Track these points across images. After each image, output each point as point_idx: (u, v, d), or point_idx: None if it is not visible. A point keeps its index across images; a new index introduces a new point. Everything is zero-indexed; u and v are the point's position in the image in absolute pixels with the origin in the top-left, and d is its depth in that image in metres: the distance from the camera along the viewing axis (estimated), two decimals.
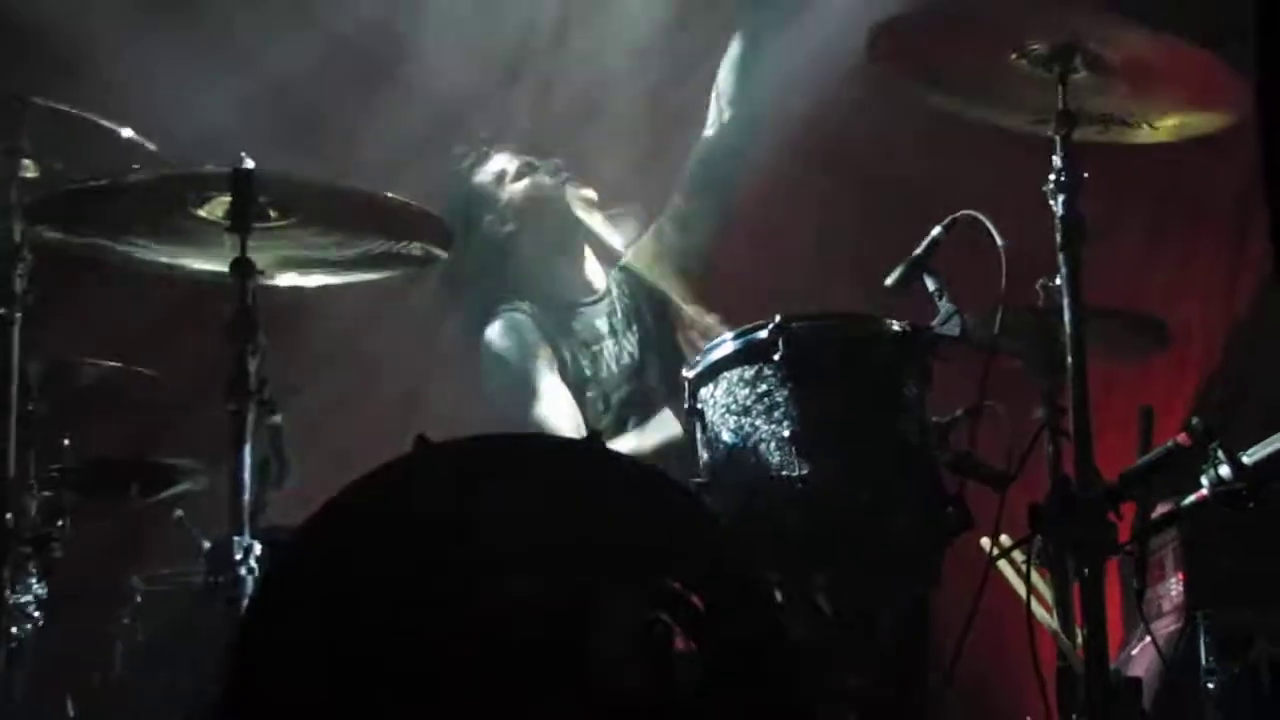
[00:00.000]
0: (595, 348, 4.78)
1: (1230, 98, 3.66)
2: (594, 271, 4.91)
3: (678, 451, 4.19)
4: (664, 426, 4.52)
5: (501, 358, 4.79)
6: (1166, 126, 3.84)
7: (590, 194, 4.96)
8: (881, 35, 3.80)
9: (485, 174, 4.94)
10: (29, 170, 3.94)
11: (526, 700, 2.89)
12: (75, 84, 4.02)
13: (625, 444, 4.56)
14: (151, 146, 3.99)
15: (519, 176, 4.93)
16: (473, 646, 2.90)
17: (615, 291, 4.89)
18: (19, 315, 3.96)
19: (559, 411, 4.60)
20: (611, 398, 4.72)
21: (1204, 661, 4.48)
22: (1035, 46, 3.61)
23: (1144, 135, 3.87)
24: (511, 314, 4.84)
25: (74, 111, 3.95)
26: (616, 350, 4.74)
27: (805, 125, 5.30)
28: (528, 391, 4.70)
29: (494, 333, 4.83)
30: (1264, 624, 4.51)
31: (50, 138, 3.97)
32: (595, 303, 4.86)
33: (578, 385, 4.66)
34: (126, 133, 3.98)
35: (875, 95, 4.01)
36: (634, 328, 4.79)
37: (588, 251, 4.89)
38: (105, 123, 3.99)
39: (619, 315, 4.85)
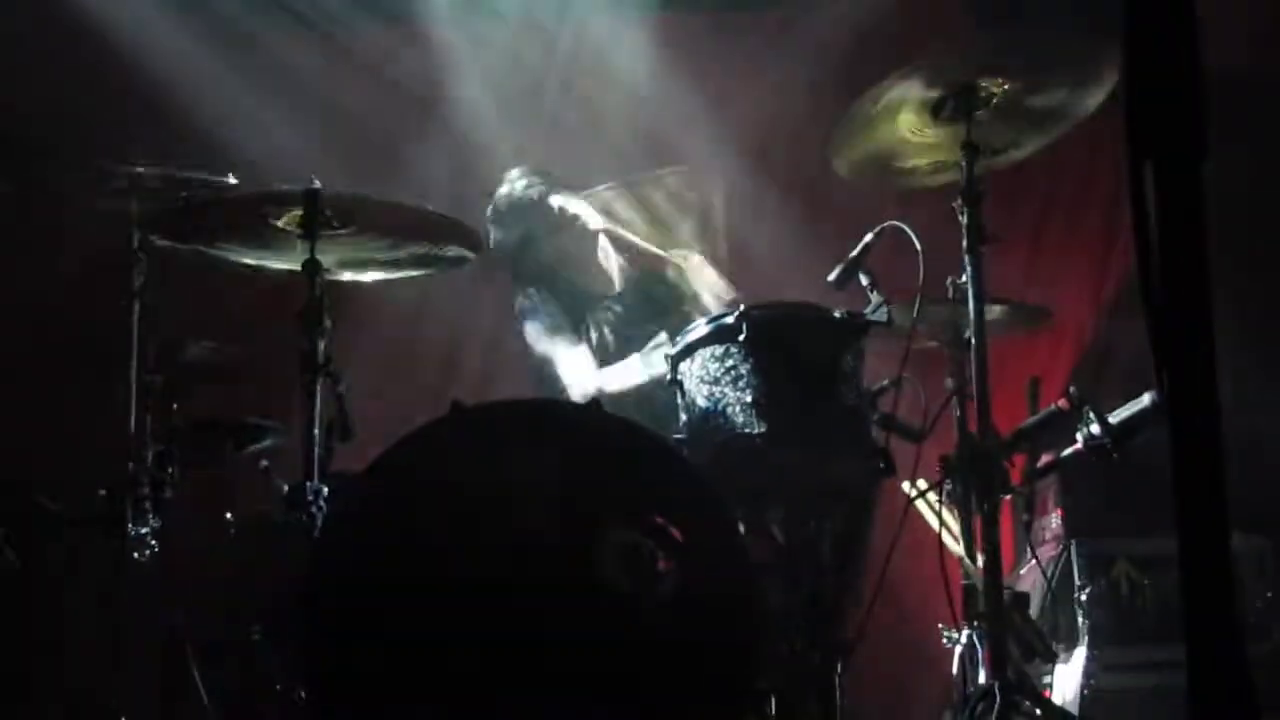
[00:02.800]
0: (609, 333, 4.71)
1: (1099, 69, 3.53)
2: (613, 268, 4.83)
3: (639, 393, 4.16)
4: (630, 373, 4.43)
5: (534, 325, 4.69)
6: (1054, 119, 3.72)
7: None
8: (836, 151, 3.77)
9: (555, 199, 4.76)
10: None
11: (546, 603, 2.89)
12: (179, 125, 3.99)
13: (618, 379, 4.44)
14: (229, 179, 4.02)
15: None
16: (502, 566, 2.90)
17: (629, 287, 4.82)
18: (138, 305, 3.98)
19: (578, 370, 4.52)
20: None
21: (1076, 579, 4.50)
22: (944, 103, 3.56)
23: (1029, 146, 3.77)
24: (539, 293, 4.74)
25: (183, 175, 3.98)
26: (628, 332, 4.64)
27: (762, 154, 5.32)
28: (554, 354, 4.61)
29: (526, 306, 4.74)
30: (1123, 549, 4.53)
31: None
32: (615, 295, 4.78)
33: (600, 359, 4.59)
34: (232, 180, 4.02)
35: (816, 131, 3.99)
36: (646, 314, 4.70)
37: (612, 256, 4.79)
38: (212, 178, 4.02)
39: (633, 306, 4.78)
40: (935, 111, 3.60)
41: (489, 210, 4.76)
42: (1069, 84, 3.61)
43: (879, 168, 3.83)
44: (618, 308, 4.72)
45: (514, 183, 4.81)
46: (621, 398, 4.22)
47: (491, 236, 4.70)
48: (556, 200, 4.73)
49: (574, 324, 4.66)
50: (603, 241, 4.72)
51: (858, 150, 3.77)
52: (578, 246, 4.72)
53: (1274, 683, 3.89)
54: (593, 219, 4.71)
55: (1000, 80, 3.53)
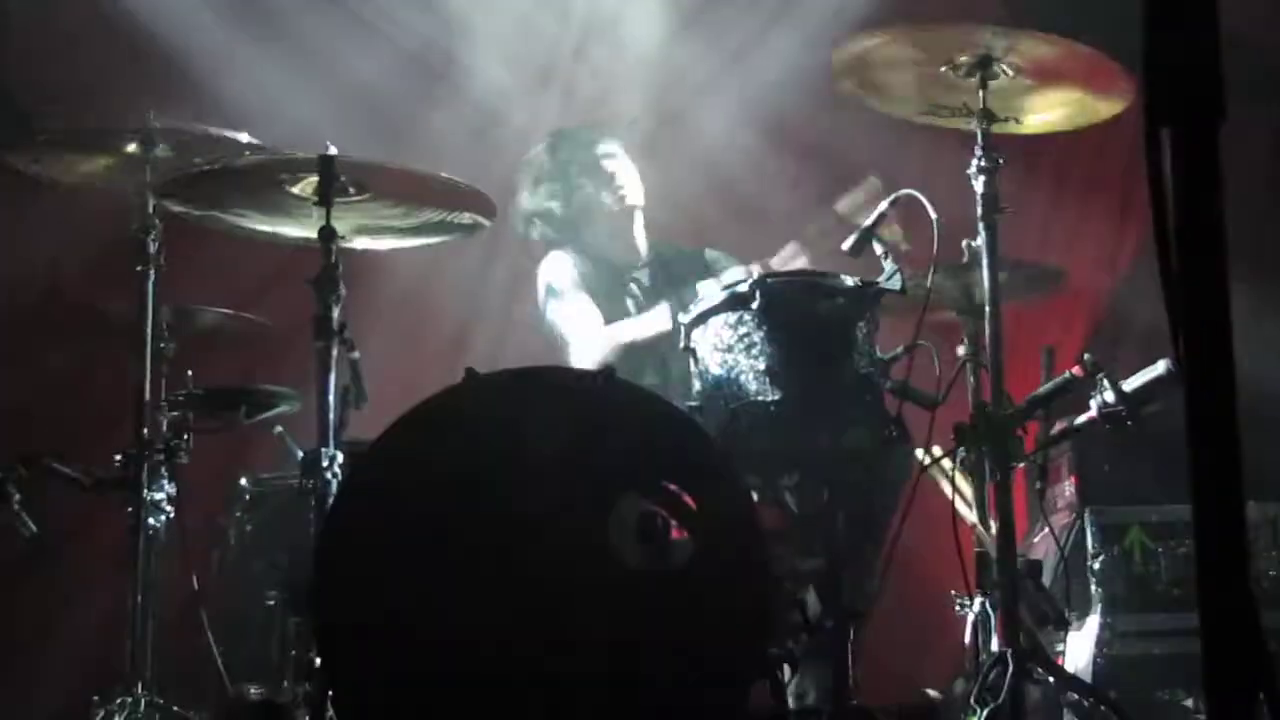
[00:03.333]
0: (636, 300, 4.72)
1: (1120, 87, 3.63)
2: (641, 240, 4.84)
3: (668, 340, 4.13)
4: (659, 319, 4.45)
5: (550, 285, 4.71)
6: (1068, 115, 3.82)
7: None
8: (842, 66, 3.79)
9: (601, 148, 4.82)
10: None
11: (560, 571, 2.90)
12: (195, 92, 3.98)
13: (627, 330, 4.52)
14: (253, 140, 3.99)
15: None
16: (516, 535, 2.92)
17: (653, 255, 4.83)
18: (153, 272, 3.98)
19: (588, 327, 4.55)
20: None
21: (1090, 547, 4.49)
22: (961, 60, 3.61)
23: (1044, 124, 3.84)
24: (564, 252, 4.78)
25: (199, 128, 3.97)
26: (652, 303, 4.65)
27: (779, 120, 5.30)
28: (568, 311, 4.64)
29: (547, 263, 4.77)
30: (1136, 517, 4.52)
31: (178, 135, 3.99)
32: (642, 266, 4.80)
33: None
34: (244, 137, 3.98)
35: (834, 99, 3.97)
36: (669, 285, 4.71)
37: (639, 224, 4.81)
38: (226, 132, 4.00)
39: (658, 276, 4.79)
40: (951, 65, 3.61)
41: (534, 163, 4.81)
42: (1084, 90, 3.66)
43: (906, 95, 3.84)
44: (644, 278, 4.74)
45: (576, 137, 4.85)
46: (637, 349, 4.26)
47: (533, 190, 4.75)
48: (610, 165, 4.77)
49: (606, 290, 4.68)
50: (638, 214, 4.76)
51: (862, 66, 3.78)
52: (620, 215, 4.77)
53: None
54: (637, 193, 4.74)
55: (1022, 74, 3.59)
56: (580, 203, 4.79)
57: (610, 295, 4.68)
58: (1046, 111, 3.80)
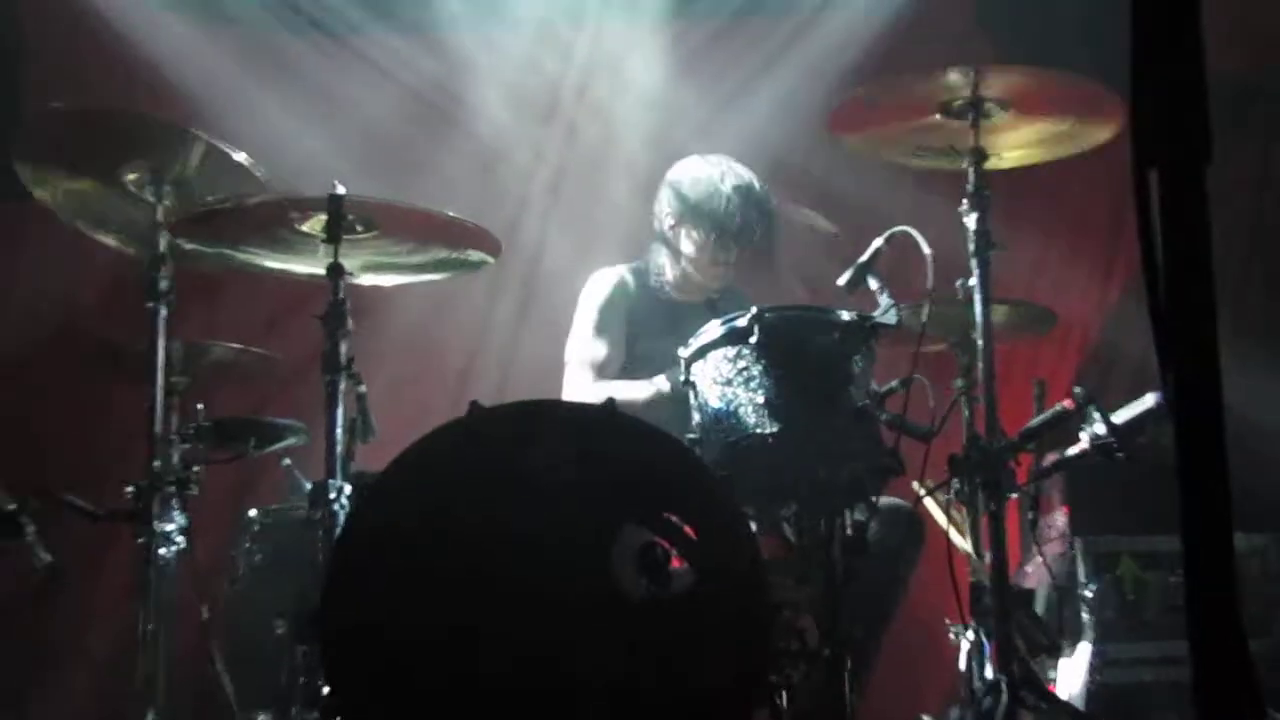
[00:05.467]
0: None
1: (1109, 110, 3.62)
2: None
3: (665, 400, 4.06)
4: (658, 385, 4.27)
5: (578, 312, 4.55)
6: (1060, 144, 3.82)
7: None
8: (837, 116, 3.81)
9: (694, 181, 4.48)
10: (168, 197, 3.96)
11: (562, 600, 2.90)
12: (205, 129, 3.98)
13: (620, 391, 4.07)
14: (259, 173, 4.00)
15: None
16: (519, 565, 2.91)
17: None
18: (164, 308, 3.98)
19: (581, 381, 4.44)
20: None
21: (1081, 576, 4.49)
22: (955, 102, 3.63)
23: (1037, 155, 3.85)
24: (612, 273, 4.60)
25: (210, 140, 3.95)
26: None
27: (775, 159, 5.31)
28: (575, 351, 4.51)
29: (589, 282, 4.60)
30: (1127, 547, 4.52)
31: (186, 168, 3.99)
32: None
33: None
34: (240, 156, 3.95)
35: (828, 141, 3.99)
36: None
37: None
38: (222, 145, 3.96)
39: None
40: (944, 109, 3.64)
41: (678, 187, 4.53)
42: (1076, 118, 3.67)
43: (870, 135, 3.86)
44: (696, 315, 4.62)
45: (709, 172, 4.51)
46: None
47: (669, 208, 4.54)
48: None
49: (645, 318, 4.50)
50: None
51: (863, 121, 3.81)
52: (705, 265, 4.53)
53: (1276, 679, 3.88)
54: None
55: (1009, 107, 3.61)
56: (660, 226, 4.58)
57: (652, 325, 4.47)
58: (1038, 144, 3.81)
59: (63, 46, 5.43)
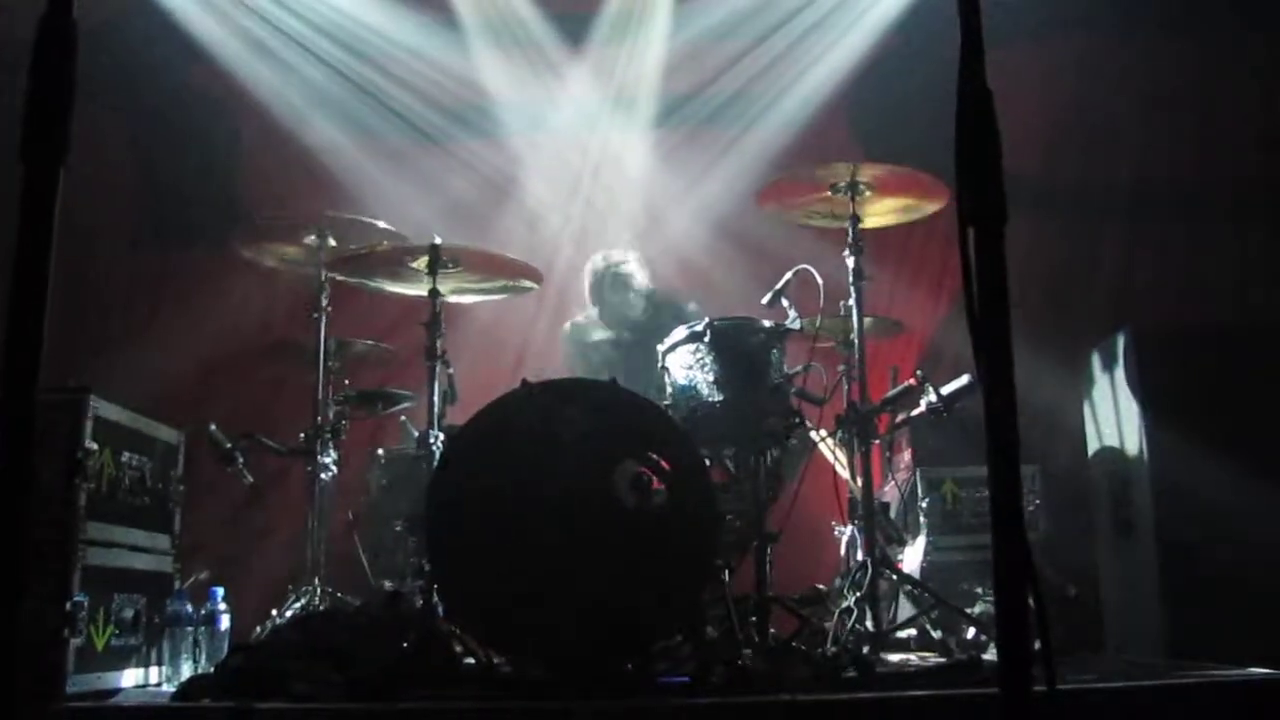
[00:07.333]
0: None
1: (939, 193, 3.64)
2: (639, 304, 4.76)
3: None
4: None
5: (567, 340, 4.76)
6: (907, 213, 3.79)
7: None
8: (764, 193, 3.79)
9: (627, 267, 4.73)
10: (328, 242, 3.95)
11: (582, 510, 2.89)
12: (350, 201, 3.97)
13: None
14: (389, 227, 4.00)
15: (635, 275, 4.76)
16: (553, 487, 2.90)
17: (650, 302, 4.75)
18: (324, 317, 3.97)
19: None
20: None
21: (919, 493, 4.48)
22: (839, 184, 3.62)
23: (892, 219, 3.81)
24: (579, 324, 4.76)
25: (364, 220, 4.01)
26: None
27: (721, 222, 5.31)
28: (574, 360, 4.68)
29: (567, 327, 4.80)
30: (950, 474, 4.51)
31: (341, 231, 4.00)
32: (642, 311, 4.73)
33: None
34: (382, 224, 4.00)
35: (758, 209, 3.96)
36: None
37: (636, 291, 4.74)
38: (368, 219, 4.00)
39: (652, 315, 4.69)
40: (833, 188, 3.63)
41: (605, 274, 4.73)
42: (918, 196, 3.66)
43: (785, 205, 3.82)
44: (641, 316, 4.71)
45: (626, 264, 4.74)
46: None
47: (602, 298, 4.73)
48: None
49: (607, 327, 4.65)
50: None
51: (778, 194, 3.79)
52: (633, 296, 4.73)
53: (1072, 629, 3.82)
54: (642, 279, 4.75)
55: (874, 188, 3.60)
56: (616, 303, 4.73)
57: (602, 346, 4.66)
58: (893, 212, 3.78)
59: (270, 165, 5.46)
